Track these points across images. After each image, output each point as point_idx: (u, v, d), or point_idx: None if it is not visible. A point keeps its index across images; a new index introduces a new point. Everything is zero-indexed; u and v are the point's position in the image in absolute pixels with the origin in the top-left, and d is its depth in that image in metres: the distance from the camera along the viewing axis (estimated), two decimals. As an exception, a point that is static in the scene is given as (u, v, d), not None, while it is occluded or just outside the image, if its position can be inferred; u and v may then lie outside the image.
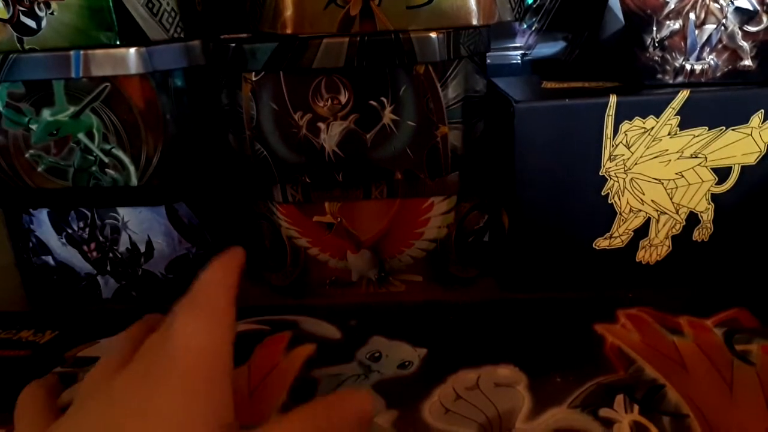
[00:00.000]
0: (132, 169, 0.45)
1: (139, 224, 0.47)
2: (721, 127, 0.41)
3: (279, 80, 0.41)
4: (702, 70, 0.42)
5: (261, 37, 0.42)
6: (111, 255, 0.48)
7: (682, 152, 0.42)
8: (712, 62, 0.42)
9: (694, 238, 0.44)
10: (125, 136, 0.44)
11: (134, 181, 0.45)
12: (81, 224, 0.47)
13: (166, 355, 0.26)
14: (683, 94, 0.40)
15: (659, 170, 0.42)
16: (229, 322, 0.28)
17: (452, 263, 0.47)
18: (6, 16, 0.42)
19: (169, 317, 0.29)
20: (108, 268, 0.48)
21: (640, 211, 0.43)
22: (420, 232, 0.46)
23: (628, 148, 0.41)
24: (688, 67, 0.42)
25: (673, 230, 0.44)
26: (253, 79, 0.42)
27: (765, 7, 0.41)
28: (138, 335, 0.31)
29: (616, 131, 0.41)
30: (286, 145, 0.43)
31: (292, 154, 0.43)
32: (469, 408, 0.33)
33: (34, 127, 0.44)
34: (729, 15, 0.41)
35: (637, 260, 0.45)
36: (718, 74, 0.42)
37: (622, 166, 0.42)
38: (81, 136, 0.44)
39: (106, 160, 0.44)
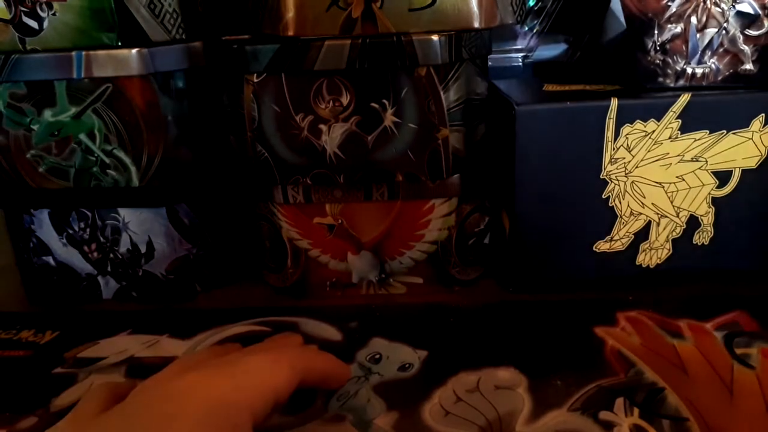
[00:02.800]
0: (133, 169, 0.45)
1: (140, 225, 0.47)
2: (722, 131, 0.41)
3: (281, 82, 0.41)
4: (703, 74, 0.42)
5: (263, 39, 0.42)
6: (112, 255, 0.48)
7: (683, 156, 0.42)
8: (713, 66, 0.42)
9: (694, 242, 0.44)
10: (126, 136, 0.44)
11: (135, 181, 0.45)
12: (82, 225, 0.47)
13: (206, 377, 0.28)
14: (684, 98, 0.40)
15: (660, 173, 0.42)
16: (289, 381, 0.30)
17: (453, 265, 0.47)
18: (8, 16, 0.42)
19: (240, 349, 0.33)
20: (108, 268, 0.48)
21: (641, 214, 0.43)
22: (421, 234, 0.46)
23: (629, 151, 0.41)
24: (689, 70, 0.42)
25: (674, 233, 0.44)
26: (255, 80, 0.42)
27: (766, 11, 0.41)
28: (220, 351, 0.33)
29: (617, 134, 0.41)
30: (288, 147, 0.43)
31: (294, 155, 0.43)
32: (469, 410, 0.33)
33: (35, 127, 0.44)
34: (730, 19, 0.41)
35: (637, 263, 0.45)
36: (719, 78, 0.42)
37: (623, 169, 0.42)
38: (82, 136, 0.44)
39: (107, 160, 0.44)
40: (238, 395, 0.27)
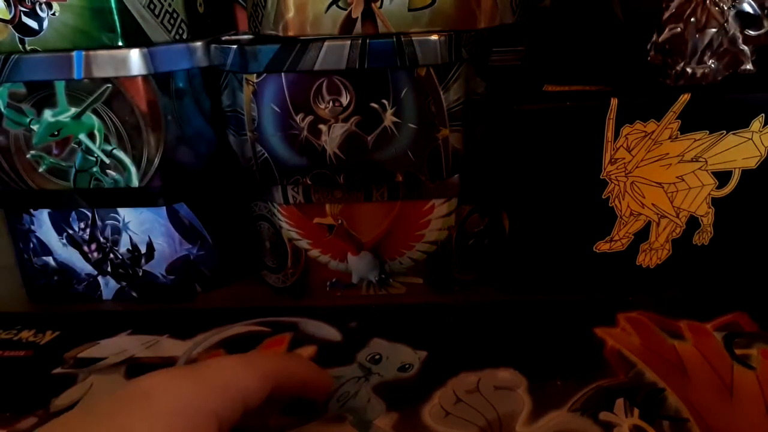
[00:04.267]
0: (133, 170, 0.45)
1: (140, 225, 0.47)
2: (721, 131, 0.41)
3: (280, 82, 0.41)
4: (703, 74, 0.42)
5: (263, 39, 0.42)
6: (111, 256, 0.48)
7: (683, 156, 0.42)
8: (713, 66, 0.42)
9: (694, 242, 0.44)
10: (126, 137, 0.44)
11: (135, 182, 0.45)
12: (82, 225, 0.47)
13: (170, 379, 0.27)
14: (684, 98, 0.40)
15: (660, 174, 0.42)
16: (261, 388, 0.29)
17: (453, 266, 0.47)
18: (8, 16, 0.42)
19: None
20: (108, 268, 0.48)
21: (641, 214, 0.43)
22: (420, 235, 0.46)
23: (629, 152, 0.41)
24: (689, 70, 0.42)
25: (674, 234, 0.44)
26: (255, 80, 0.42)
27: (766, 11, 0.41)
28: None
29: (616, 134, 0.41)
30: (288, 147, 0.43)
31: (294, 155, 0.43)
32: (469, 411, 0.33)
33: (35, 127, 0.44)
34: (730, 19, 0.41)
35: (637, 264, 0.45)
36: (719, 78, 0.42)
37: (623, 169, 0.42)
38: (82, 136, 0.44)
39: (107, 161, 0.44)
40: (200, 396, 0.26)
